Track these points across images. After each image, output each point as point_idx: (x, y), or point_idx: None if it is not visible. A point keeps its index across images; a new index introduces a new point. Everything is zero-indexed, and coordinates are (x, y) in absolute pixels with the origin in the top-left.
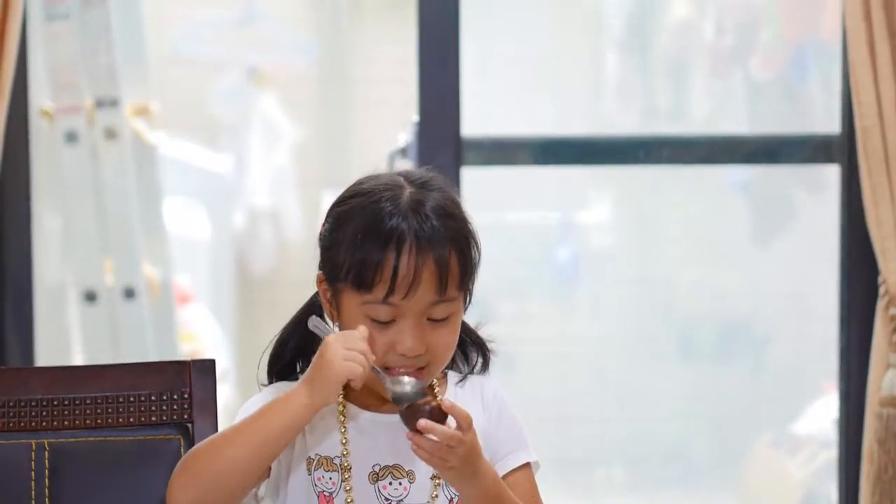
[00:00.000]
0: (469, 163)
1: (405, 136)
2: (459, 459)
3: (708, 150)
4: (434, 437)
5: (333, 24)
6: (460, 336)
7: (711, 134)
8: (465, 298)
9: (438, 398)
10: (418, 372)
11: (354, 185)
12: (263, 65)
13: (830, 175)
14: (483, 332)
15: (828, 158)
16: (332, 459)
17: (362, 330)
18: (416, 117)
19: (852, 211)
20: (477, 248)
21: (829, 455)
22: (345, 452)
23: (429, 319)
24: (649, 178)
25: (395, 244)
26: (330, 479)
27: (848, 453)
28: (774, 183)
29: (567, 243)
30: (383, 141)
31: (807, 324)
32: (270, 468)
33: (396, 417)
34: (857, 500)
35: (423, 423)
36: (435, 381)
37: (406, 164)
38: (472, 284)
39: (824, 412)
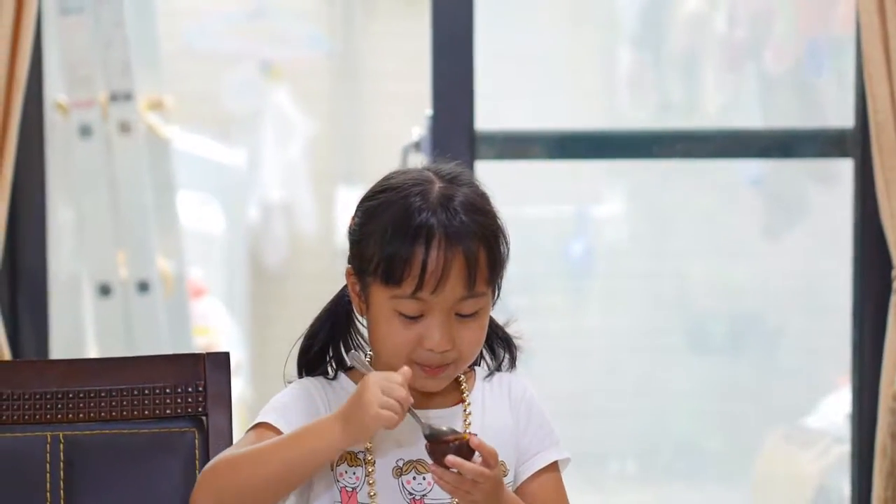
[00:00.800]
0: (482, 157)
1: (419, 130)
2: (483, 494)
3: (721, 144)
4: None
5: (346, 17)
6: (487, 332)
7: (725, 128)
8: (494, 294)
9: (466, 433)
10: (444, 368)
11: (383, 179)
12: (276, 59)
13: (844, 169)
14: (510, 329)
15: (841, 152)
16: (356, 454)
17: (405, 372)
18: (429, 111)
19: (866, 205)
20: (506, 242)
21: (842, 449)
22: (369, 446)
23: (457, 315)
24: (662, 172)
25: (425, 239)
26: (353, 473)
27: (861, 448)
28: (788, 177)
29: (580, 237)
30: (396, 135)
31: (820, 318)
32: None
33: (421, 411)
34: (869, 494)
35: (451, 458)
36: (462, 376)
37: (420, 159)
38: (501, 280)
39: (837, 406)
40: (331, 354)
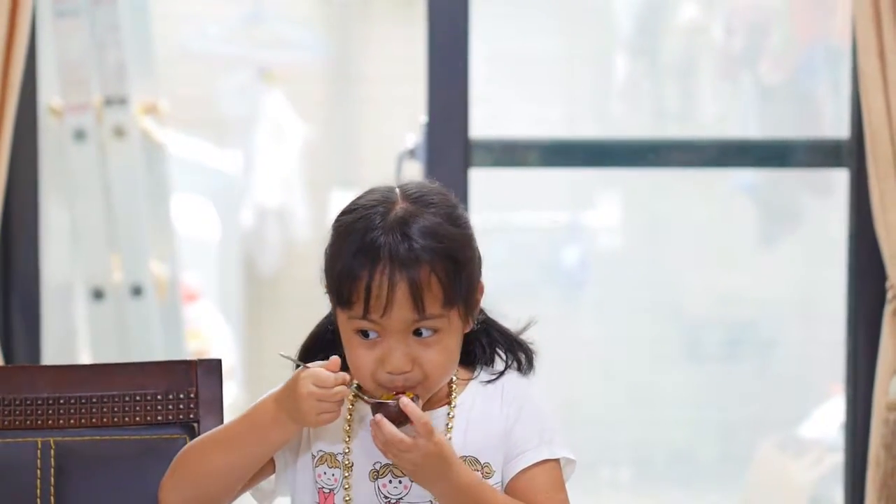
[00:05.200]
0: (477, 164)
1: (414, 137)
2: (412, 464)
3: (716, 153)
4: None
5: (342, 22)
6: (491, 336)
7: (720, 137)
8: (464, 314)
9: (403, 399)
10: (414, 386)
11: (354, 199)
12: (272, 63)
13: (839, 179)
14: (524, 335)
15: (836, 162)
16: (335, 456)
17: (335, 361)
18: (424, 118)
19: (860, 215)
20: (473, 261)
21: (836, 459)
22: (346, 450)
23: (415, 336)
24: (658, 181)
25: (370, 262)
26: (332, 475)
27: (854, 457)
28: (783, 186)
29: (575, 245)
30: (392, 139)
31: (814, 327)
32: (275, 462)
33: None
34: None
35: (377, 417)
36: (454, 377)
37: (415, 166)
38: (470, 300)
39: (831, 416)
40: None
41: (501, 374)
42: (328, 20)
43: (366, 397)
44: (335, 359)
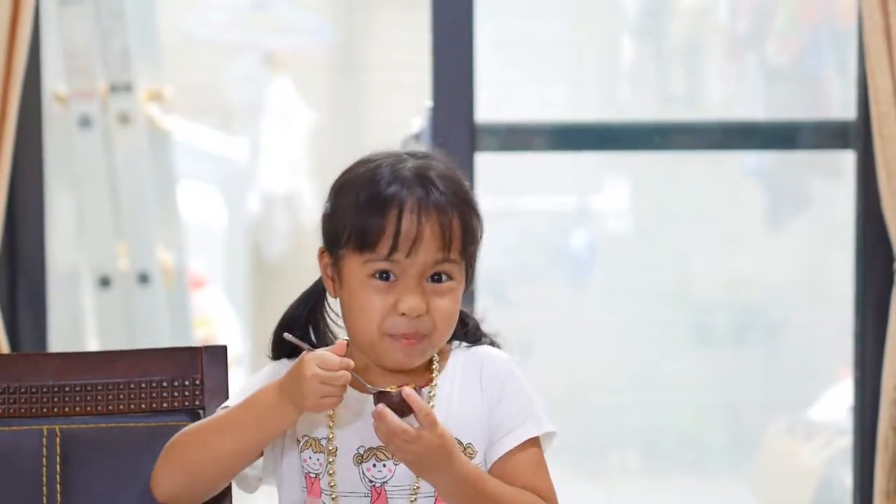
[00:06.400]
0: (483, 148)
1: (419, 121)
2: (414, 455)
3: (723, 136)
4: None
5: (347, 7)
6: (471, 324)
7: (726, 119)
8: (467, 273)
9: (406, 389)
10: (419, 340)
11: (355, 162)
12: (278, 49)
13: (846, 161)
14: (489, 325)
15: (843, 144)
16: (319, 441)
17: (340, 346)
18: (430, 102)
19: (868, 197)
20: (479, 219)
21: (845, 442)
22: (330, 436)
23: (430, 282)
24: (664, 164)
25: (398, 202)
26: (317, 460)
27: (863, 440)
28: (790, 169)
29: (582, 229)
30: (398, 125)
31: (822, 310)
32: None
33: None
34: (871, 487)
35: (379, 407)
36: (435, 355)
37: (420, 149)
38: (474, 259)
39: (839, 399)
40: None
41: (479, 343)
42: (333, 5)
43: (368, 386)
44: (341, 342)
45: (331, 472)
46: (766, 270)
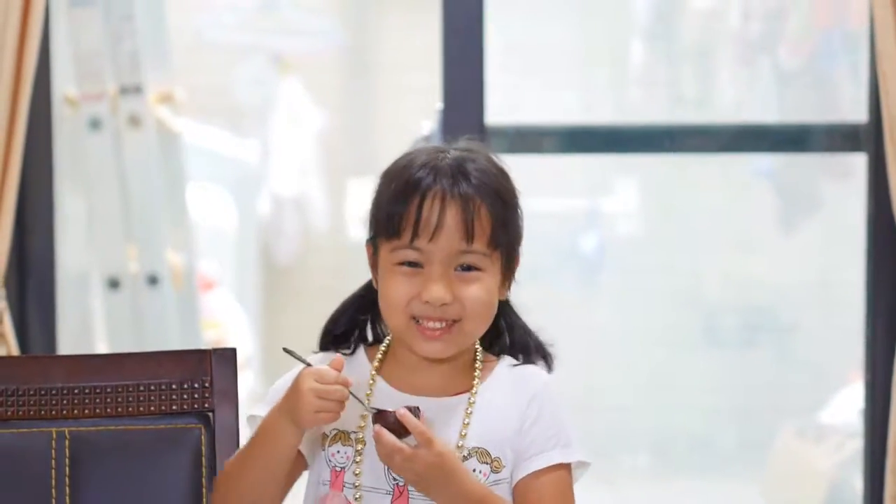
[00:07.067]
0: (493, 150)
1: (429, 123)
2: (413, 473)
3: (734, 139)
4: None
5: (358, 10)
6: (515, 335)
7: (738, 122)
8: (505, 265)
9: (400, 410)
10: (450, 326)
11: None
12: (288, 51)
13: (857, 163)
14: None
15: (855, 147)
16: (348, 434)
17: (338, 361)
18: (440, 105)
19: (879, 199)
20: (516, 214)
21: (855, 445)
22: (361, 425)
23: (458, 270)
24: (675, 167)
25: (423, 188)
26: (345, 454)
27: (873, 443)
28: (801, 171)
29: (592, 231)
30: (408, 128)
31: (833, 313)
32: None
33: (417, 398)
34: (882, 490)
35: (376, 428)
36: (479, 362)
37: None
38: (512, 256)
39: (850, 402)
40: (356, 333)
41: (528, 361)
42: (343, 8)
43: (366, 405)
44: (338, 358)
45: (357, 460)
46: (776, 273)
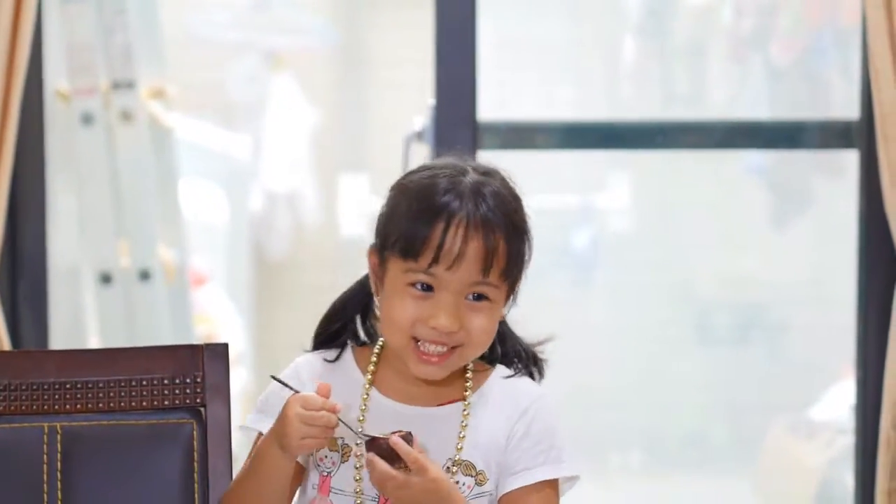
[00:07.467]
0: (486, 147)
1: (421, 119)
2: (408, 499)
3: (726, 135)
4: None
5: (350, 6)
6: (507, 345)
7: (730, 119)
8: (508, 294)
9: (393, 438)
10: (450, 351)
11: (422, 165)
12: (280, 48)
13: (849, 160)
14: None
15: (846, 144)
16: (335, 439)
17: (323, 388)
18: (432, 101)
19: (871, 197)
20: (529, 245)
21: (847, 441)
22: (360, 430)
23: (468, 300)
24: (668, 163)
25: (447, 215)
26: (331, 459)
27: (865, 440)
28: (793, 168)
29: (585, 228)
30: (400, 124)
31: (824, 309)
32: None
33: (410, 408)
34: (873, 486)
35: (369, 455)
36: (470, 373)
37: (422, 148)
38: (517, 282)
39: (841, 398)
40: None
41: (520, 373)
42: (335, 4)
43: (359, 432)
44: (324, 384)
45: (344, 468)
46: (768, 269)
